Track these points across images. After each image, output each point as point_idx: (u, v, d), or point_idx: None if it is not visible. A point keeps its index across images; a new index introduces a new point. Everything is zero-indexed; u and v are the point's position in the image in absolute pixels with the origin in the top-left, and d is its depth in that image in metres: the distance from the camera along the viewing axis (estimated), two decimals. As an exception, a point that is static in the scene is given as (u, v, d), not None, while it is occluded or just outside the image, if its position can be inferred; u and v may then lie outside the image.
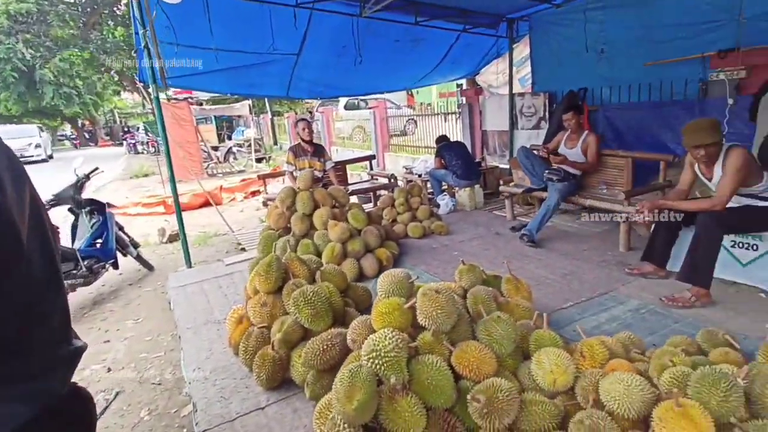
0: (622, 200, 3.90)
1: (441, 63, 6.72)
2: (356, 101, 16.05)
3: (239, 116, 18.67)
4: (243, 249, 5.11)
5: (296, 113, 18.64)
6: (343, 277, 2.86)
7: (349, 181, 6.90)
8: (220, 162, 13.85)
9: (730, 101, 4.03)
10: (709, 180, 3.00)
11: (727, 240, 2.96)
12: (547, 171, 4.45)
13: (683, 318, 2.70)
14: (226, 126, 18.98)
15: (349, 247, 3.72)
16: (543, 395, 1.65)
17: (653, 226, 3.29)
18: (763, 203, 2.79)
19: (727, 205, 2.78)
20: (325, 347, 2.01)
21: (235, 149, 14.78)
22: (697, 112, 4.22)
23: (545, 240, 4.32)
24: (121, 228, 4.75)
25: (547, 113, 5.91)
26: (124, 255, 4.68)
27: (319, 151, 5.38)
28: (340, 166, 6.34)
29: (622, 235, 3.92)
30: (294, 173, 5.26)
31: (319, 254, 3.70)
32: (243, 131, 17.49)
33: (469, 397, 1.53)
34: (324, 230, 3.84)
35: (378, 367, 1.54)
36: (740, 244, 3.03)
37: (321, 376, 2.06)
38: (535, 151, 4.78)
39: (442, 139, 6.20)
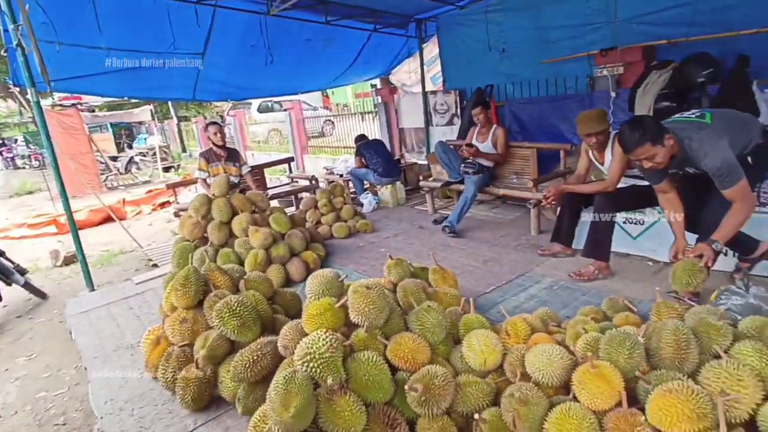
0: (531, 188, 4.21)
1: (354, 63, 6.75)
2: (270, 103, 15.58)
3: (140, 123, 17.19)
4: (155, 265, 4.70)
5: (205, 117, 17.59)
6: (269, 284, 2.75)
7: (268, 186, 6.68)
8: (120, 173, 12.66)
9: (613, 94, 4.53)
10: (602, 164, 3.34)
11: (619, 217, 3.31)
12: (463, 164, 4.66)
13: (589, 290, 2.98)
14: (125, 134, 17.38)
15: (273, 252, 3.60)
16: (475, 376, 1.72)
17: (558, 209, 3.59)
18: (644, 182, 3.17)
19: (618, 186, 3.12)
20: (255, 358, 1.91)
21: (137, 158, 13.59)
22: (587, 104, 4.68)
23: (466, 230, 4.52)
24: (1, 254, 4.13)
25: (458, 110, 6.19)
26: (8, 284, 4.08)
27: (233, 156, 5.12)
28: (258, 171, 6.11)
29: (532, 219, 4.23)
30: (207, 180, 4.96)
31: (241, 263, 3.52)
32: (145, 139, 16.13)
33: (406, 387, 1.54)
34: (245, 237, 3.67)
35: (313, 369, 1.50)
36: (630, 220, 3.41)
37: (253, 388, 1.96)
38: (451, 146, 4.98)
39: (361, 138, 6.23)
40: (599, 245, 3.10)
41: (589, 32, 4.69)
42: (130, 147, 16.07)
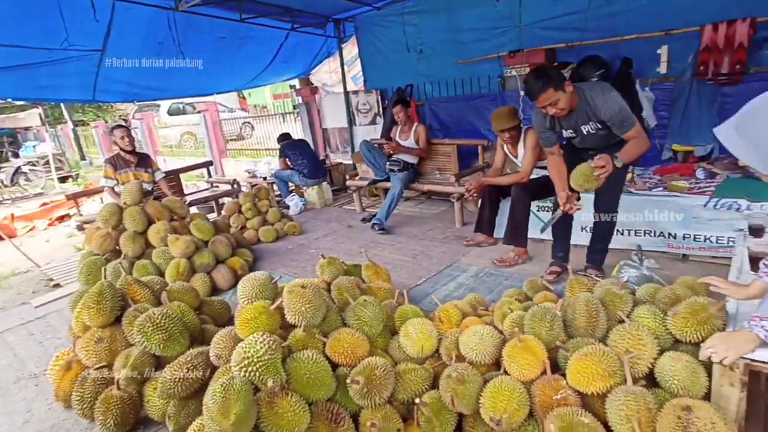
0: (453, 182, 4.41)
1: (272, 62, 6.57)
2: (181, 105, 14.61)
3: (27, 128, 15.23)
4: (57, 285, 4.22)
5: (106, 121, 16.04)
6: (194, 293, 2.61)
7: (186, 192, 6.28)
8: (5, 186, 11.16)
9: (522, 93, 4.88)
10: (516, 157, 3.60)
11: (534, 205, 3.59)
12: (388, 162, 4.75)
13: (511, 275, 3.20)
14: (8, 141, 15.31)
15: (197, 261, 3.41)
16: (414, 363, 1.78)
17: (480, 202, 3.80)
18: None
19: (531, 177, 3.38)
20: (185, 371, 1.81)
21: (26, 168, 12.06)
22: (500, 102, 4.99)
23: (394, 226, 4.62)
24: None
25: (381, 109, 6.29)
26: None
27: (144, 161, 4.75)
28: (173, 176, 5.73)
29: (456, 212, 4.43)
30: (116, 188, 4.56)
31: (161, 274, 3.29)
32: (35, 146, 14.34)
33: (348, 380, 1.55)
34: (163, 247, 3.43)
35: (252, 374, 1.45)
36: (543, 208, 3.71)
37: (185, 404, 1.85)
38: (375, 145, 5.06)
39: (285, 137, 6.06)
40: (518, 233, 3.34)
41: (498, 35, 5.01)
42: (16, 156, 14.19)
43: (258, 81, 7.23)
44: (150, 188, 4.63)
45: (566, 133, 2.75)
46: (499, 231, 3.66)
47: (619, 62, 4.25)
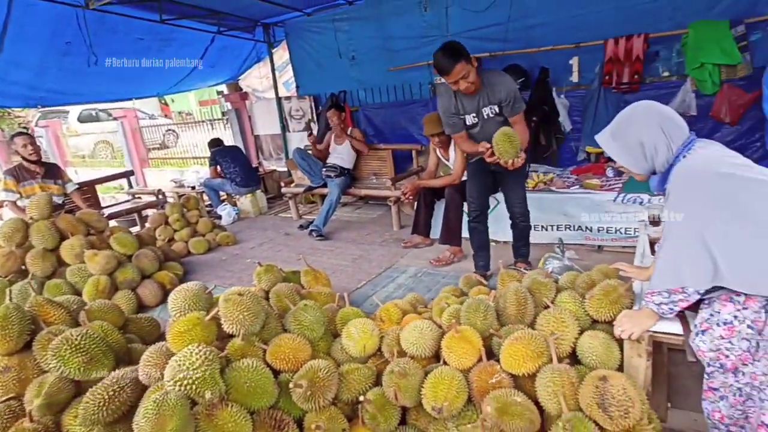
0: (390, 186, 4.49)
1: (197, 66, 6.29)
2: (94, 111, 13.49)
3: None
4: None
5: (2, 130, 14.36)
6: (117, 311, 2.43)
7: (103, 206, 5.81)
8: None
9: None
10: (448, 161, 3.75)
11: (466, 206, 3.75)
12: (324, 168, 4.73)
13: (448, 273, 3.32)
14: None
15: (119, 277, 3.16)
16: (357, 363, 1.79)
17: (415, 204, 3.91)
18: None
19: (462, 178, 3.54)
20: (111, 393, 1.67)
21: None
22: (431, 108, 5.16)
23: (333, 232, 4.60)
24: None
25: (314, 115, 6.26)
26: None
27: (52, 172, 4.35)
28: (88, 188, 5.28)
29: (393, 216, 4.51)
30: (18, 202, 4.12)
31: (78, 294, 3.01)
32: None
33: (291, 385, 1.53)
34: (79, 264, 3.14)
35: (188, 387, 1.38)
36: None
37: (111, 430, 1.70)
38: (309, 151, 5.02)
39: (216, 143, 5.79)
40: (452, 232, 3.48)
41: (427, 43, 5.18)
42: None
43: (182, 86, 6.88)
44: (61, 201, 4.24)
45: (469, 119, 2.82)
46: (435, 232, 3.78)
47: (537, 71, 4.59)
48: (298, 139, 6.39)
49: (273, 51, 6.38)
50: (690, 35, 3.81)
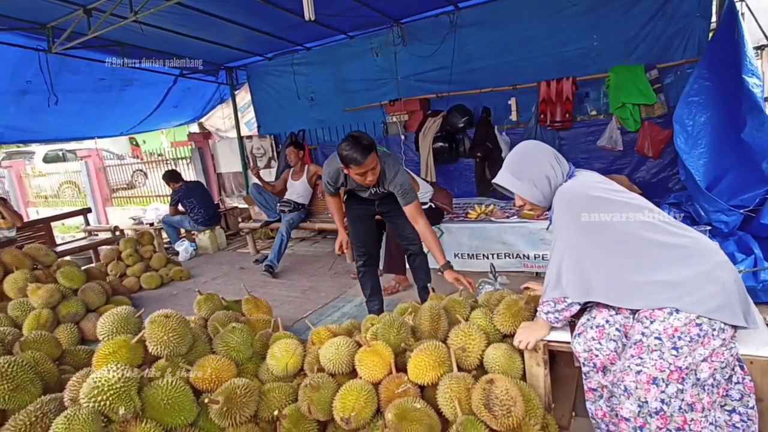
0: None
1: (160, 106, 6.44)
2: (61, 152, 13.37)
3: None
4: None
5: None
6: (54, 342, 2.44)
7: (58, 243, 5.73)
8: None
9: (403, 137, 5.40)
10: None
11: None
12: (279, 204, 4.87)
13: (393, 301, 3.43)
14: None
15: (63, 310, 3.15)
16: (281, 382, 1.86)
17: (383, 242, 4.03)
18: (427, 204, 3.86)
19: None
20: (33, 419, 1.69)
21: None
22: (384, 146, 5.45)
23: (288, 266, 4.69)
24: None
25: (275, 153, 6.45)
26: None
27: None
28: (42, 225, 5.23)
29: (347, 250, 4.63)
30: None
31: (18, 327, 2.98)
32: None
33: (207, 400, 1.59)
34: (22, 298, 3.13)
35: (101, 403, 1.44)
36: (420, 238, 4.07)
37: (31, 457, 1.71)
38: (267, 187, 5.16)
39: (173, 175, 5.59)
40: (396, 262, 3.64)
41: (380, 86, 5.54)
42: None
43: (146, 126, 7.01)
44: (11, 235, 4.22)
45: (356, 190, 2.80)
46: (382, 263, 3.92)
47: (480, 110, 4.94)
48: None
49: (236, 93, 6.62)
50: (611, 78, 4.23)
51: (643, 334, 1.44)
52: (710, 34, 3.97)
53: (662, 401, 1.36)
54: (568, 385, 2.04)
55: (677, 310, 1.42)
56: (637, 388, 1.38)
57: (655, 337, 1.41)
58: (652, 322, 1.44)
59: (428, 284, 2.64)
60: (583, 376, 1.57)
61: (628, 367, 1.42)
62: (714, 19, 4.03)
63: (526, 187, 1.68)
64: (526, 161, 1.70)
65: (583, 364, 1.56)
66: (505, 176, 1.73)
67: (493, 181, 1.80)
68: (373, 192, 2.73)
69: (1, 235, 4.16)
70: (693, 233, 1.55)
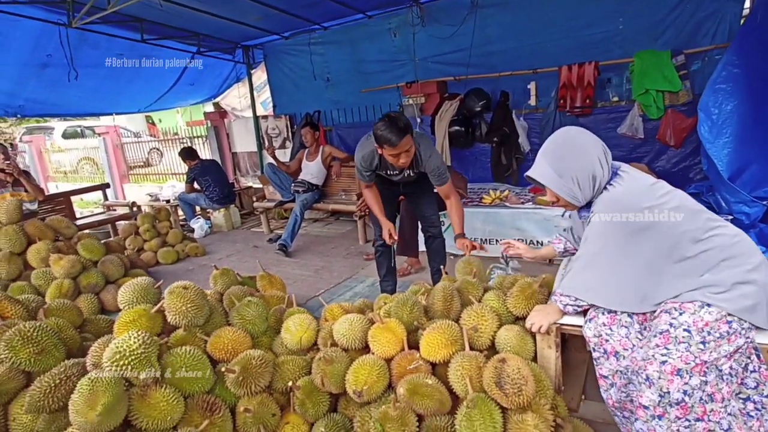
0: (357, 201, 4.66)
1: (177, 84, 6.46)
2: (80, 129, 13.58)
3: None
4: None
5: (-14, 144, 14.31)
6: (76, 311, 2.51)
7: (78, 217, 5.86)
8: None
9: (419, 120, 5.35)
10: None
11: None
12: (293, 184, 4.90)
13: (405, 282, 3.46)
14: None
15: (83, 281, 3.24)
16: (294, 355, 1.90)
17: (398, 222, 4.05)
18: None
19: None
20: (57, 382, 1.75)
21: None
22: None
23: (301, 246, 4.73)
24: None
25: (290, 133, 6.46)
26: None
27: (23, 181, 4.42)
28: (63, 198, 5.34)
29: (359, 230, 4.67)
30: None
31: (42, 295, 3.08)
32: None
33: (224, 369, 1.64)
34: (45, 268, 3.22)
35: (124, 368, 1.49)
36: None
37: (55, 417, 1.78)
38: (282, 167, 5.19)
39: (190, 154, 5.65)
40: (409, 245, 3.64)
41: (397, 67, 5.48)
42: None
43: (162, 103, 7.05)
44: (34, 208, 4.31)
45: (389, 173, 2.78)
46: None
47: (498, 95, 4.87)
48: (275, 156, 6.56)
49: (252, 72, 6.61)
50: (636, 63, 4.12)
51: (671, 324, 1.40)
52: (742, 20, 3.83)
53: (684, 392, 1.34)
54: (579, 369, 2.05)
55: (708, 304, 1.38)
56: (660, 378, 1.36)
57: (684, 329, 1.37)
58: (681, 314, 1.40)
59: (442, 266, 2.65)
60: (594, 362, 1.58)
61: (653, 356, 1.39)
62: (747, 4, 3.88)
63: (567, 185, 1.48)
64: (571, 155, 1.48)
65: (594, 350, 1.56)
66: (543, 170, 1.51)
67: (527, 174, 1.60)
68: (406, 175, 2.72)
69: (24, 207, 4.25)
70: (732, 229, 1.47)
